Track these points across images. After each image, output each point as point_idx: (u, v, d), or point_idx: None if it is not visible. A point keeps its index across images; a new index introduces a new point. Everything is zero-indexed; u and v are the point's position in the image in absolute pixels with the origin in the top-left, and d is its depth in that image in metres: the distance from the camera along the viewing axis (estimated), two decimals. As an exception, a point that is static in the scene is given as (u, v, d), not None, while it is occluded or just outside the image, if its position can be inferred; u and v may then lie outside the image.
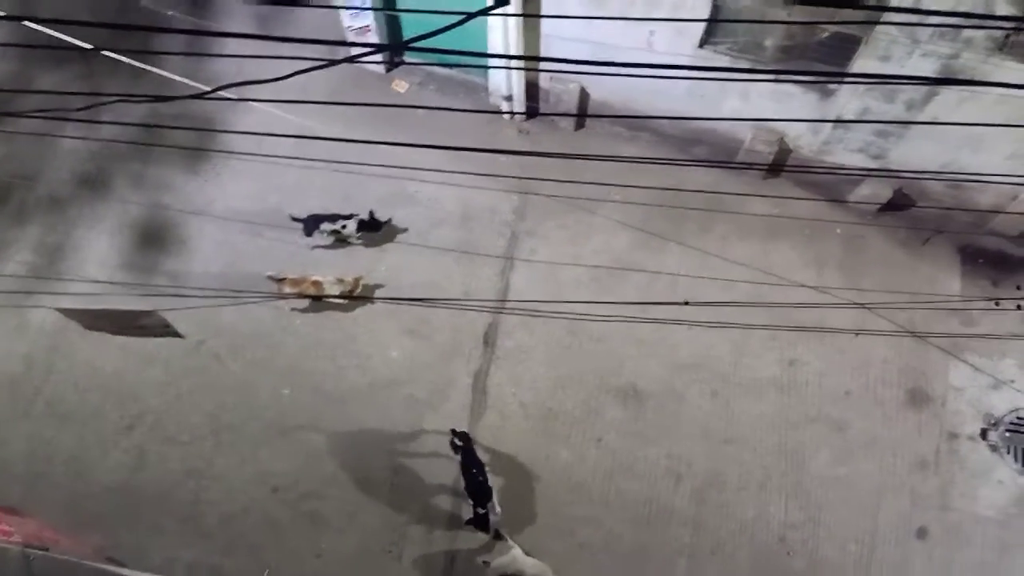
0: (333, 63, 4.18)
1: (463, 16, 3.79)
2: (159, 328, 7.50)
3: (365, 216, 9.76)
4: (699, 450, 9.16)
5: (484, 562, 8.12)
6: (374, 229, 9.88)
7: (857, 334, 9.37)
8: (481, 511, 8.13)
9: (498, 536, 8.37)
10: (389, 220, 10.01)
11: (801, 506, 8.95)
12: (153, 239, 10.21)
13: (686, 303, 7.90)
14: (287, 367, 9.49)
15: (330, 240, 9.94)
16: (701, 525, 8.87)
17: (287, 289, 9.31)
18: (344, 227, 9.72)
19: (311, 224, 9.74)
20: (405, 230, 10.17)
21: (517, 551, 8.02)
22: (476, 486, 8.15)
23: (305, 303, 9.62)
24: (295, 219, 9.79)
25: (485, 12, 3.87)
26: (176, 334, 7.64)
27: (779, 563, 8.75)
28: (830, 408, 9.33)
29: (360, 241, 9.99)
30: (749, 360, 9.56)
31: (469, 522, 8.30)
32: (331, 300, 9.49)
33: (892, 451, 9.16)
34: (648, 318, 8.75)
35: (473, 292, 9.83)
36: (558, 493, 8.95)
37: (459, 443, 8.38)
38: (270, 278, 9.34)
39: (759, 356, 9.58)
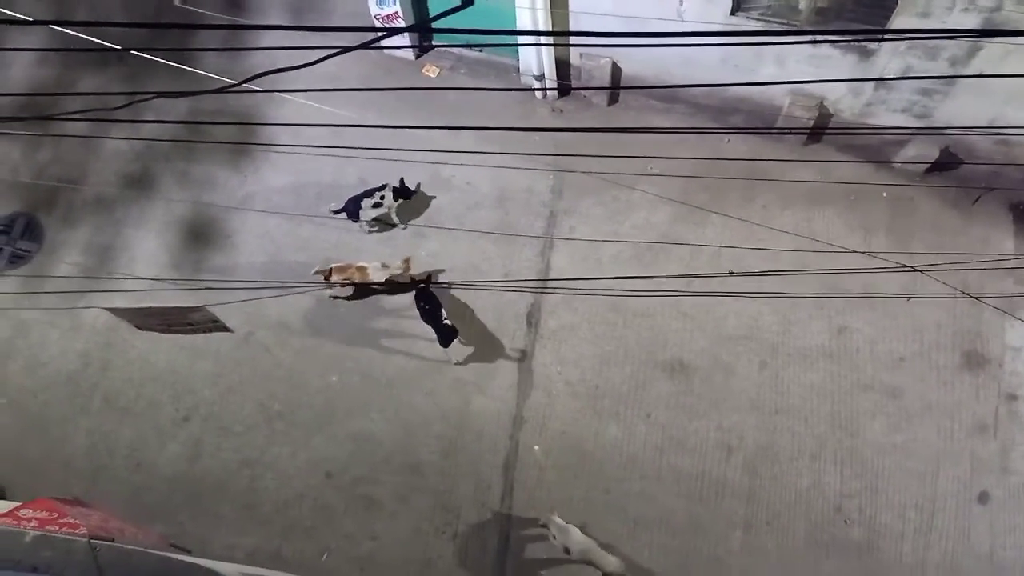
0: (359, 47, 4.19)
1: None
2: (208, 323, 7.55)
3: (396, 184, 9.76)
4: (750, 422, 9.06)
5: (541, 525, 8.24)
6: (406, 196, 9.90)
7: (909, 299, 9.13)
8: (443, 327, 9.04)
9: (455, 332, 9.07)
10: (419, 185, 10.07)
11: (857, 475, 8.81)
12: (198, 236, 10.39)
13: (731, 274, 7.77)
14: (334, 355, 9.61)
15: (375, 226, 10.04)
16: (755, 497, 8.80)
17: (334, 278, 9.40)
18: (382, 198, 9.75)
19: (352, 208, 9.78)
20: (433, 197, 10.28)
21: (572, 528, 8.10)
22: (427, 314, 9.10)
23: (348, 291, 9.70)
24: (335, 212, 9.87)
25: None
26: (225, 328, 7.66)
27: (837, 532, 8.64)
28: (884, 375, 9.15)
29: (400, 222, 10.04)
30: (797, 329, 9.42)
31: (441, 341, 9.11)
32: (375, 287, 9.56)
33: (949, 416, 8.97)
34: (692, 292, 8.67)
35: (513, 273, 9.82)
36: (609, 470, 8.94)
37: (420, 283, 9.18)
38: (317, 273, 9.41)
39: (807, 325, 9.42)
